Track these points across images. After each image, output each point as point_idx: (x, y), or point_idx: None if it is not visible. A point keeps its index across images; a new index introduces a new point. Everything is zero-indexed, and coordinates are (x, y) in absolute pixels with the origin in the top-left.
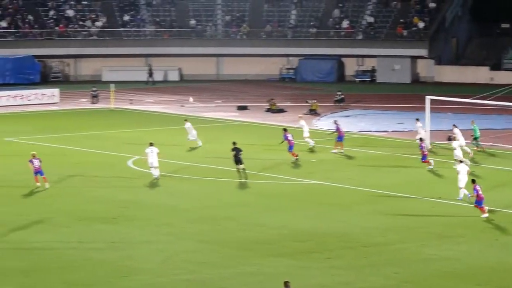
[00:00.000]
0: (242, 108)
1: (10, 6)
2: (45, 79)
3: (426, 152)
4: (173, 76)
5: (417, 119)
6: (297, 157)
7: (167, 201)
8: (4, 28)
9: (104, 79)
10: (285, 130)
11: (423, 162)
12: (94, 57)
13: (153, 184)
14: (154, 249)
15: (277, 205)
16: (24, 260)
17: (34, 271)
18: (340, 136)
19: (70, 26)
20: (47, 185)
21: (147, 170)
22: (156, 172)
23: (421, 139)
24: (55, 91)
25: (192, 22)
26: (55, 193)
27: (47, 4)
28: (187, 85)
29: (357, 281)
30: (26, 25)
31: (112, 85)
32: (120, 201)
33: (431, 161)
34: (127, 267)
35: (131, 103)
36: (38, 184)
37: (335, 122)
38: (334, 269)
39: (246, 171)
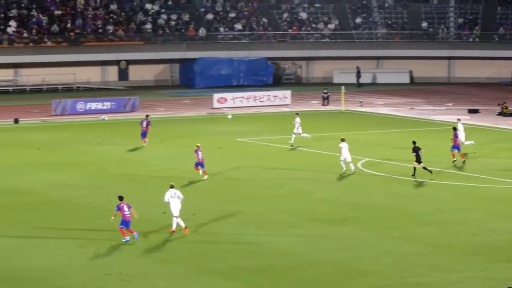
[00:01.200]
0: (473, 111)
1: (245, 9)
2: (277, 81)
3: None
4: (403, 78)
5: None
6: (455, 160)
7: (394, 203)
8: (239, 30)
9: (335, 81)
10: (454, 129)
11: None
12: (325, 59)
13: (380, 185)
14: (383, 251)
15: (508, 210)
16: (255, 258)
17: (264, 270)
18: None
19: (303, 28)
20: (205, 177)
21: (376, 172)
22: (351, 166)
23: None
24: (287, 92)
25: (424, 24)
26: (287, 193)
27: (281, 7)
28: (418, 88)
29: None
30: (260, 28)
31: (343, 87)
32: (349, 202)
33: None
34: (355, 269)
35: (361, 105)
36: (204, 176)
37: None
38: None
39: (429, 169)
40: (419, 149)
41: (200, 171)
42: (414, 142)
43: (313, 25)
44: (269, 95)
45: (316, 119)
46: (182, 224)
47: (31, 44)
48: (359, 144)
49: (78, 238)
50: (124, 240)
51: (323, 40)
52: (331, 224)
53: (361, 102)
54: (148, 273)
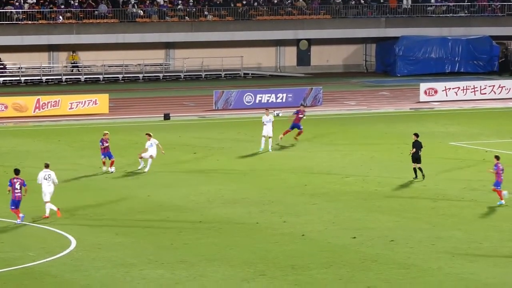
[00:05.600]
0: None
1: None
2: (505, 68)
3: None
4: None
5: None
6: None
7: None
8: (455, 0)
9: None
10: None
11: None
12: None
13: None
14: None
15: None
16: None
17: None
18: None
19: None
20: (111, 169)
21: None
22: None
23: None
24: None
25: None
26: None
27: None
28: None
29: None
30: None
31: None
32: None
33: (505, 193)
34: None
35: None
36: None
37: None
38: None
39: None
40: (421, 146)
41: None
42: (416, 135)
43: None
44: (493, 86)
45: None
46: (54, 207)
47: (187, 19)
48: None
49: (242, 269)
50: (17, 222)
51: None
52: None
53: None
54: None
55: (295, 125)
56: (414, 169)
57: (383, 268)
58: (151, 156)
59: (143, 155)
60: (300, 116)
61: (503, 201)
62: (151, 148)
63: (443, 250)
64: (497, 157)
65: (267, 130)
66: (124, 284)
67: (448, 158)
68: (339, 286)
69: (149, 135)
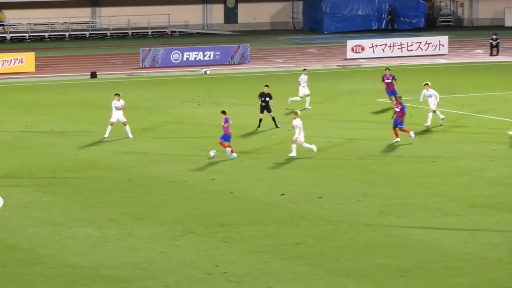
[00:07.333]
0: None
1: None
2: (431, 24)
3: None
4: None
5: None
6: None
7: None
8: None
9: (507, 24)
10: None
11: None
12: None
13: None
14: None
15: None
16: (399, 256)
17: (411, 270)
18: None
19: None
20: None
21: None
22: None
23: None
24: (444, 39)
25: None
26: (441, 171)
27: None
28: None
29: None
30: None
31: None
32: None
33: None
34: None
35: None
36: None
37: None
38: None
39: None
40: (271, 97)
41: None
42: (267, 86)
43: None
44: (420, 42)
45: (481, 74)
46: None
47: None
48: None
49: (170, 227)
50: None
51: None
52: (500, 211)
53: None
54: (262, 272)
55: (391, 92)
56: (260, 119)
57: (311, 225)
58: (124, 123)
59: (112, 120)
60: (387, 81)
61: (234, 155)
62: (117, 112)
63: (371, 207)
64: (223, 112)
65: (304, 90)
66: (51, 243)
67: (375, 115)
68: (267, 242)
69: (118, 95)
